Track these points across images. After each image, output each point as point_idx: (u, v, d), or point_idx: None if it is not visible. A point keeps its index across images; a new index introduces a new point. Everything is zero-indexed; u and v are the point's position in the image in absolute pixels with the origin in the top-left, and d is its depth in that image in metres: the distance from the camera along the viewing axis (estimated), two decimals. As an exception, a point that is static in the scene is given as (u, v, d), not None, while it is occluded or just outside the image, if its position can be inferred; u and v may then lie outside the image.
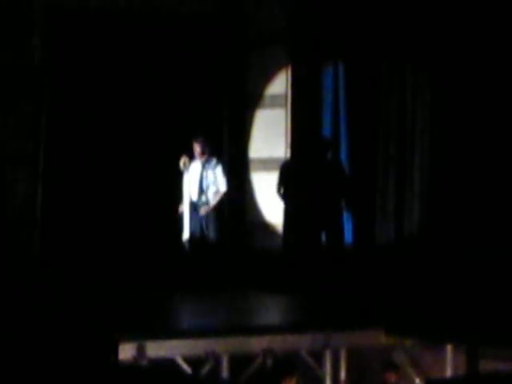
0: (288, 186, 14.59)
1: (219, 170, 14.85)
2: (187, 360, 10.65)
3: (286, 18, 15.49)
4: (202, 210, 14.77)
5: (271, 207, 15.48)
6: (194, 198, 14.81)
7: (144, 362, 10.20)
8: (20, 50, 14.41)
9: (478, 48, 13.65)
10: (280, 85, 15.66)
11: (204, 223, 14.85)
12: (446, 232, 13.96)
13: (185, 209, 14.93)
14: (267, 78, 15.76)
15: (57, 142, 14.87)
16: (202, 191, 14.76)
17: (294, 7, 15.33)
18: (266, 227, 15.59)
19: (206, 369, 10.67)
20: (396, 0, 14.48)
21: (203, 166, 14.78)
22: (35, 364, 7.87)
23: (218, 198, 14.90)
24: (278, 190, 14.62)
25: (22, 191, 14.11)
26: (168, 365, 10.51)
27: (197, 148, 14.77)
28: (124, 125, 15.34)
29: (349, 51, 15.29)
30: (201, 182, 14.76)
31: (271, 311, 13.18)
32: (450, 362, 11.02)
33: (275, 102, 15.63)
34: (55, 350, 8.55)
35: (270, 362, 11.09)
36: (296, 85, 15.54)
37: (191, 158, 14.83)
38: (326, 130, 15.31)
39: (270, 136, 15.73)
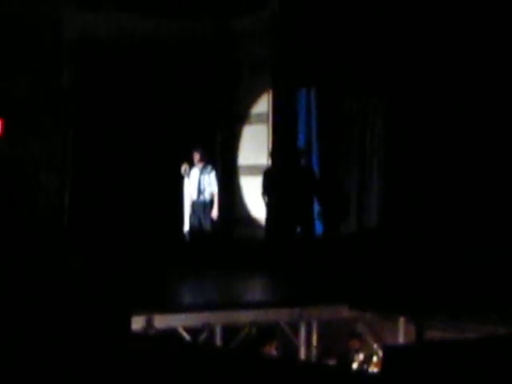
0: (269, 188, 14.56)
1: (213, 174, 15.00)
2: (187, 330, 10.64)
3: (270, 53, 15.55)
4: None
5: (256, 204, 15.53)
6: (194, 197, 14.97)
7: (152, 332, 10.26)
8: (50, 76, 14.37)
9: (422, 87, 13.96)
10: (263, 105, 15.73)
11: (202, 217, 14.97)
12: (398, 224, 14.16)
13: (186, 206, 15.09)
14: (253, 100, 15.79)
15: (80, 152, 14.96)
16: (200, 192, 14.92)
17: (277, 45, 15.38)
18: (252, 221, 15.67)
19: (202, 337, 10.67)
20: (356, 41, 14.45)
21: (201, 172, 14.94)
22: (59, 331, 7.55)
23: (213, 197, 15.08)
24: (264, 192, 14.70)
25: (53, 191, 14.14)
26: (171, 334, 10.53)
27: (196, 156, 14.90)
28: (137, 136, 15.39)
29: (319, 80, 15.38)
30: (199, 184, 14.91)
31: (256, 289, 13.31)
32: (402, 332, 11.05)
33: (259, 119, 15.71)
34: (76, 321, 8.32)
35: (254, 331, 11.19)
36: (276, 106, 15.58)
37: (191, 165, 14.96)
38: (301, 142, 15.38)
39: (254, 147, 15.77)
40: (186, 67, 15.68)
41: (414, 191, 14.07)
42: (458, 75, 13.67)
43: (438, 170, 13.82)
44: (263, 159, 15.27)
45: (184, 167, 14.85)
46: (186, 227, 15.06)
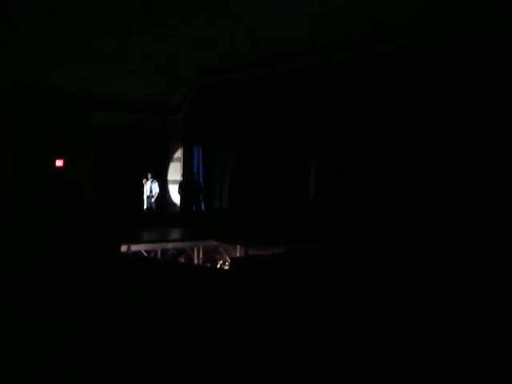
0: (181, 189, 14.18)
1: (157, 183, 14.54)
2: (146, 251, 10.53)
3: (183, 131, 15.09)
4: (153, 200, 14.52)
5: (175, 197, 15.01)
6: (148, 193, 14.46)
7: (130, 252, 10.10)
8: (85, 139, 13.98)
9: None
10: (179, 153, 15.23)
11: (151, 202, 14.54)
12: (237, 206, 13.85)
13: (145, 197, 14.54)
14: (174, 151, 15.31)
15: (99, 173, 14.25)
16: (150, 191, 14.44)
17: (185, 128, 15.02)
18: (174, 204, 15.14)
19: (152, 255, 10.54)
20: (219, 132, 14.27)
21: (151, 182, 14.47)
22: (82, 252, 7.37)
23: (155, 194, 14.54)
24: (179, 192, 14.30)
25: (88, 191, 13.70)
26: (138, 253, 10.31)
27: (149, 175, 14.48)
28: (123, 165, 14.75)
29: (203, 144, 14.95)
30: (150, 187, 14.45)
31: (175, 233, 12.91)
32: (238, 251, 11.08)
33: (177, 159, 15.22)
34: (97, 247, 8.24)
35: (175, 252, 11.12)
36: (184, 153, 15.12)
37: (147, 179, 14.49)
38: (195, 169, 14.88)
39: (175, 171, 15.21)
40: (147, 139, 15.24)
41: (241, 194, 13.76)
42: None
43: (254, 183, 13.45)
44: (178, 177, 14.78)
45: (144, 180, 14.45)
46: (144, 207, 14.57)
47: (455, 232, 8.58)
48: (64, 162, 13.56)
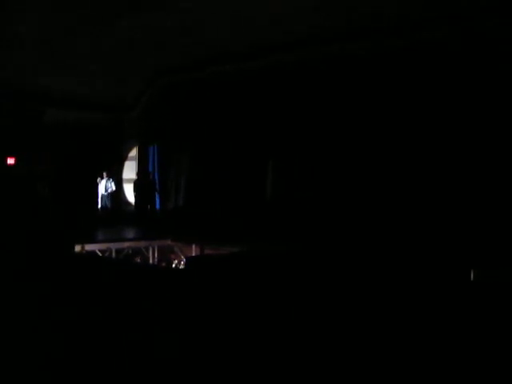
0: (136, 188, 13.94)
1: (112, 182, 14.34)
2: (100, 251, 10.33)
3: (137, 130, 14.92)
4: (108, 195, 14.36)
5: (130, 196, 14.85)
6: (103, 192, 14.26)
7: (84, 252, 9.89)
8: (38, 138, 13.62)
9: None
10: (134, 152, 15.12)
11: (106, 201, 14.34)
12: (190, 205, 13.83)
13: (99, 196, 14.34)
14: (130, 149, 15.16)
15: (55, 172, 13.88)
16: (106, 190, 14.24)
17: (141, 127, 14.87)
18: (128, 203, 14.99)
19: (106, 255, 10.35)
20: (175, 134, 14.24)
21: (106, 181, 14.27)
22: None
23: (112, 192, 14.39)
24: (133, 190, 14.06)
25: (41, 189, 13.35)
26: (92, 253, 10.15)
27: (105, 174, 14.26)
28: (77, 163, 14.45)
29: (159, 143, 14.84)
30: (105, 186, 14.25)
31: (130, 233, 12.73)
32: (194, 250, 10.97)
33: (132, 158, 15.08)
34: (51, 247, 8.07)
35: (130, 251, 10.91)
36: (139, 152, 15.00)
37: (102, 178, 14.28)
38: (150, 168, 14.77)
39: (130, 170, 15.05)
40: (102, 137, 14.87)
41: (197, 193, 13.74)
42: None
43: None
44: (133, 175, 14.56)
45: (99, 179, 14.23)
46: (99, 206, 14.37)
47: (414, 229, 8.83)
48: (16, 160, 13.20)
